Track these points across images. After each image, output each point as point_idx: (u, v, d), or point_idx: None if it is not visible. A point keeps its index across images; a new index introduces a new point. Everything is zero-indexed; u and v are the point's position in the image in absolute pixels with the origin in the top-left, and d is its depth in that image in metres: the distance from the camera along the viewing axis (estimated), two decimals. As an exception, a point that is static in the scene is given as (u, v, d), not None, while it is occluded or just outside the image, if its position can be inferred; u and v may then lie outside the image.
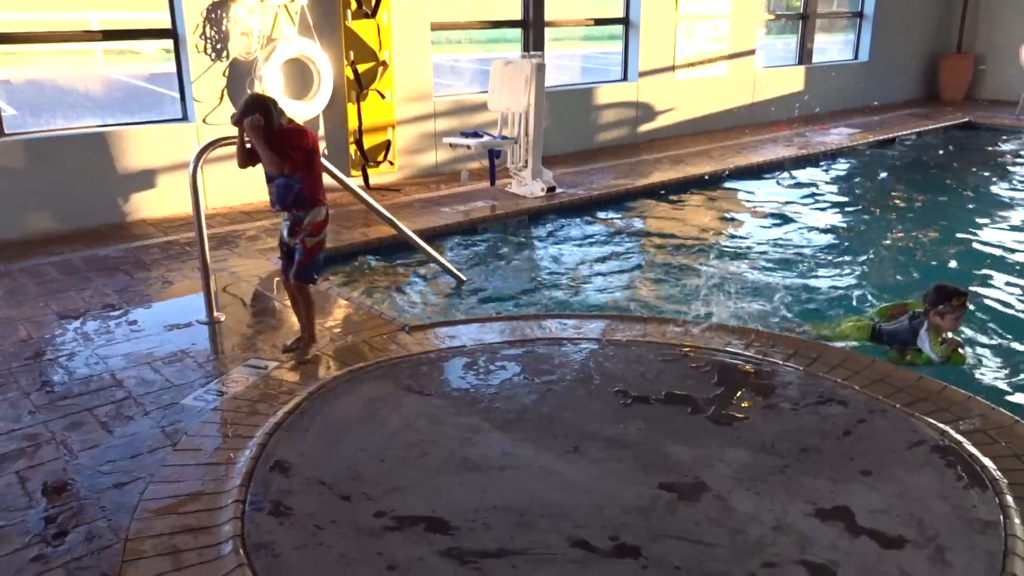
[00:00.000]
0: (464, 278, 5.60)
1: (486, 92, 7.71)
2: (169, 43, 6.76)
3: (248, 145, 3.89)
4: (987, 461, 3.01)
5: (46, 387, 3.74)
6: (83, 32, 6.65)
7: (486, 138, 7.32)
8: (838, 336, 4.49)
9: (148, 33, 7.00)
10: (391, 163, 7.80)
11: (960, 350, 4.15)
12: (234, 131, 3.98)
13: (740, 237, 6.75)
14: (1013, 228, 7.03)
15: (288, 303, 4.32)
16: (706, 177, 8.27)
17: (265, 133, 3.79)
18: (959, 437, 3.18)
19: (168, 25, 6.64)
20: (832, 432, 3.27)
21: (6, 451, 3.20)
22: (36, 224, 6.13)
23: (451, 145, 7.45)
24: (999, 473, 2.93)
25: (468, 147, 7.24)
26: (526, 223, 6.89)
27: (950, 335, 4.17)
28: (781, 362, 3.88)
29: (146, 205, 6.61)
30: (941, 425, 3.27)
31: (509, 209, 6.96)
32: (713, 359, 3.93)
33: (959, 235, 6.73)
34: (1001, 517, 2.69)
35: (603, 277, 5.78)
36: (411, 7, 7.67)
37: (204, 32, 6.60)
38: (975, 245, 6.46)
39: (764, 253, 6.28)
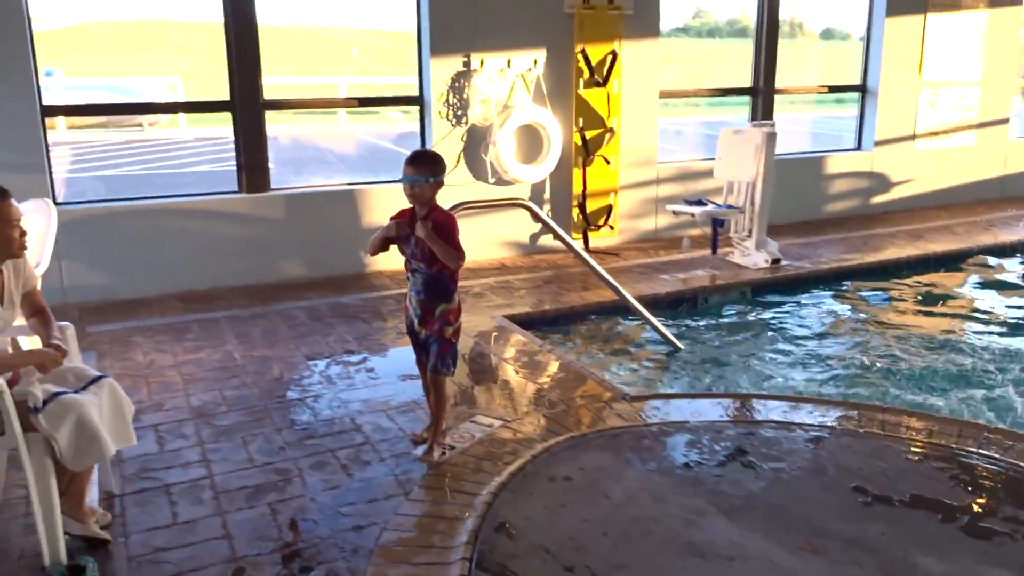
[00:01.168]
0: (681, 347, 5.51)
1: (710, 159, 7.65)
2: (414, 108, 7.30)
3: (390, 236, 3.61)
4: None
5: (295, 425, 4.07)
6: (343, 99, 7.31)
7: (710, 206, 7.23)
8: None
9: (398, 100, 7.59)
10: (611, 227, 7.89)
11: None
12: (473, 192, 3.87)
13: (989, 325, 6.15)
14: None
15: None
16: (947, 255, 7.66)
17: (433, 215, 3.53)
18: None
19: (416, 93, 7.17)
20: (1115, 562, 2.86)
21: (262, 482, 3.50)
22: (289, 271, 6.75)
23: (674, 212, 7.42)
24: None
25: (692, 215, 7.18)
26: (748, 295, 6.69)
27: None
28: (1049, 473, 3.46)
29: (383, 258, 7.03)
30: None
31: (730, 280, 6.79)
32: (966, 462, 3.58)
33: None
34: None
35: (832, 359, 5.46)
36: (641, 76, 7.79)
37: (447, 99, 7.07)
38: None
39: (1018, 347, 5.68)
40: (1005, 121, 10.09)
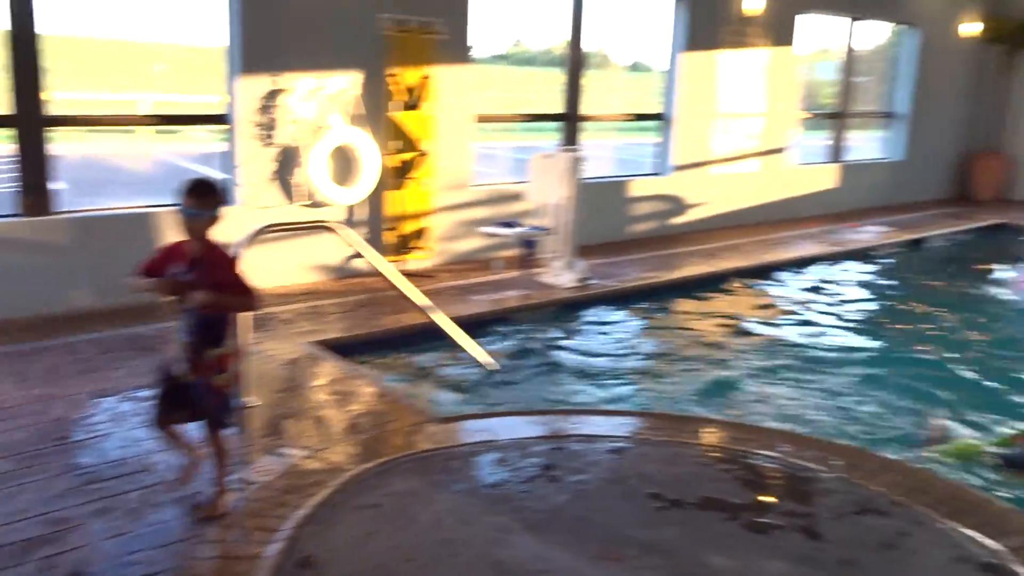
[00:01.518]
0: (495, 368, 5.58)
1: (523, 182, 7.86)
2: (221, 127, 6.98)
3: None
4: (1040, 585, 2.88)
5: (77, 469, 3.74)
6: (143, 116, 6.89)
7: (522, 228, 7.41)
8: (947, 455, 4.37)
9: (204, 119, 7.23)
10: (425, 249, 7.90)
11: None
12: (284, 215, 3.70)
13: (773, 335, 6.68)
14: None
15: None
16: (737, 272, 8.28)
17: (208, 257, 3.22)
18: (1006, 553, 3.06)
19: (224, 111, 6.87)
20: (872, 544, 3.18)
21: (33, 536, 3.17)
22: (78, 300, 6.24)
23: (487, 234, 7.54)
24: (1053, 599, 2.81)
25: (504, 236, 7.32)
26: (558, 313, 6.90)
27: None
28: (819, 467, 3.79)
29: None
30: (986, 541, 3.15)
31: (541, 299, 6.98)
32: (749, 462, 3.85)
33: (1000, 340, 6.61)
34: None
35: (635, 372, 5.73)
36: (456, 100, 7.88)
37: (256, 119, 6.83)
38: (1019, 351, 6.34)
39: (799, 353, 6.20)
40: (786, 149, 11.08)
